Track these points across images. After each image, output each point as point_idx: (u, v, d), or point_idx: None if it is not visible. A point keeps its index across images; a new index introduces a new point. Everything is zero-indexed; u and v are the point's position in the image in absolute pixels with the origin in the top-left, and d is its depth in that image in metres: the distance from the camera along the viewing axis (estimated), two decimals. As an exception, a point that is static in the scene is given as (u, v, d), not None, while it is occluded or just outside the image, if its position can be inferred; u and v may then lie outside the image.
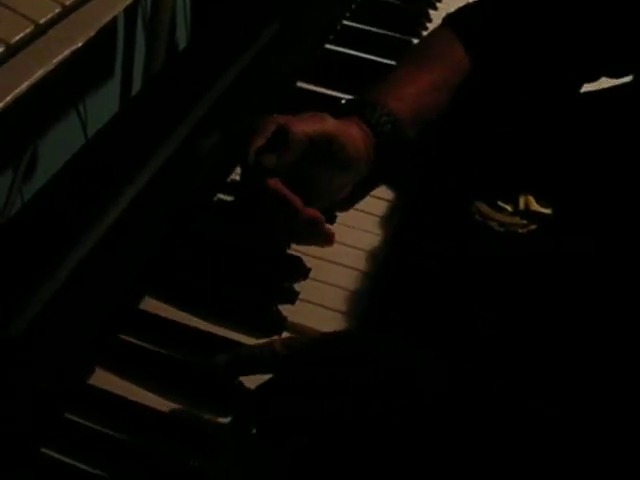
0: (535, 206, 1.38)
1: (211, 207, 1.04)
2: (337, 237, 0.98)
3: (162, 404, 0.81)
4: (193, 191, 1.02)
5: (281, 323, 0.90)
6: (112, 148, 1.05)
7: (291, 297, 0.93)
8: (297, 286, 0.95)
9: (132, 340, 0.86)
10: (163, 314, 0.89)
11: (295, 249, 0.99)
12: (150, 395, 0.82)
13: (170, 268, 0.94)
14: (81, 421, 0.79)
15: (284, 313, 0.91)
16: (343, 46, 1.31)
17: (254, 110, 1.15)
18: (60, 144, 1.20)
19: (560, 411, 0.90)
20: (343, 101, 1.09)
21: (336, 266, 0.99)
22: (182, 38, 1.38)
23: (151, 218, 0.98)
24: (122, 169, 1.01)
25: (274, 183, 0.93)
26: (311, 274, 0.97)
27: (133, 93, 1.38)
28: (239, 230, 0.98)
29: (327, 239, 0.97)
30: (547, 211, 1.36)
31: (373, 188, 1.07)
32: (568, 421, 0.89)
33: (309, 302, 0.94)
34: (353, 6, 1.39)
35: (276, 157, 0.93)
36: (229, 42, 1.22)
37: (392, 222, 1.08)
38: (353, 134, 0.99)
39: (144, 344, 0.86)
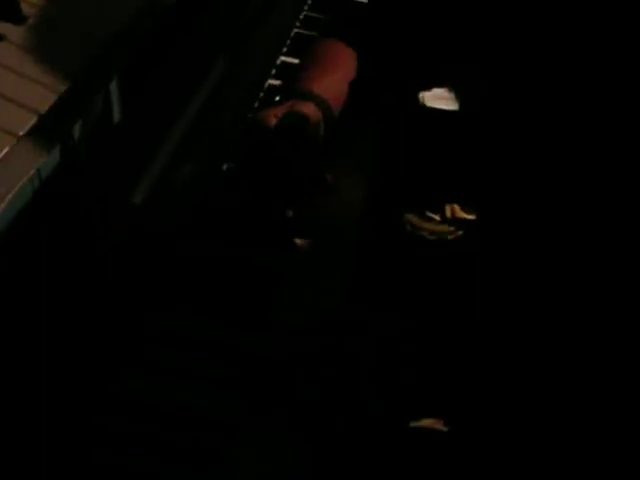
0: (460, 213, 1.52)
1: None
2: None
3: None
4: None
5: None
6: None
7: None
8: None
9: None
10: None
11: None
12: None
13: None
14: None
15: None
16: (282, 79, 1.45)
17: (212, 141, 1.27)
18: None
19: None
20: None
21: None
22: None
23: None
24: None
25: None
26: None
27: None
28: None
29: None
30: (471, 217, 1.50)
31: None
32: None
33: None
34: (288, 42, 1.52)
35: (305, 140, 1.18)
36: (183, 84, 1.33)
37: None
38: (321, 116, 1.22)
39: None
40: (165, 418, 0.93)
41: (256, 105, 1.39)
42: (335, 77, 1.28)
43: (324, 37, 1.35)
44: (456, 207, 1.56)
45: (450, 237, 1.52)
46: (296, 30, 1.57)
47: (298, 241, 1.18)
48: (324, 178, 1.21)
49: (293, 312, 1.08)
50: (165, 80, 1.35)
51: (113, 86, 1.36)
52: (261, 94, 1.41)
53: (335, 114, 1.24)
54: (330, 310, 1.09)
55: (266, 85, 1.44)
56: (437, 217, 1.55)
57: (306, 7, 1.63)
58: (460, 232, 1.53)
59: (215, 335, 1.02)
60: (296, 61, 1.49)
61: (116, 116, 1.14)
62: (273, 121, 1.17)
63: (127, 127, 1.24)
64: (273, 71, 1.47)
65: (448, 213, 1.56)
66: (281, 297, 1.09)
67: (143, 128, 1.25)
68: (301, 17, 1.60)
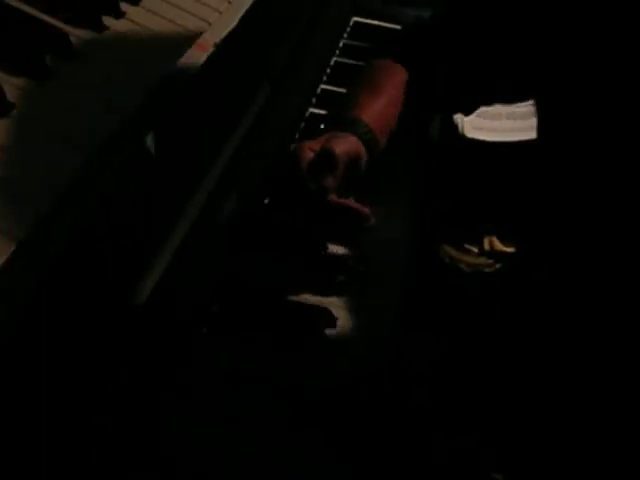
0: (499, 246, 1.50)
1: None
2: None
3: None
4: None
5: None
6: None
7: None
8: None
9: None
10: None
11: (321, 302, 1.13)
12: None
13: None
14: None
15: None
16: (324, 108, 1.43)
17: (254, 172, 1.24)
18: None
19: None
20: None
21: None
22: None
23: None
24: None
25: (338, 199, 1.13)
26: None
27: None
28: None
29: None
30: (510, 250, 1.48)
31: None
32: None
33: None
34: (328, 70, 1.50)
35: (333, 177, 1.12)
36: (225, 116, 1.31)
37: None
38: (361, 148, 1.18)
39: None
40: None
41: (297, 136, 1.37)
42: (384, 102, 1.24)
43: (375, 58, 1.32)
44: (494, 239, 1.54)
45: (487, 270, 1.50)
46: (336, 58, 1.55)
47: (341, 278, 1.15)
48: (363, 213, 1.16)
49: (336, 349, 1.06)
50: (206, 114, 1.33)
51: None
52: (302, 123, 1.39)
53: (381, 142, 1.22)
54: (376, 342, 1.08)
55: (307, 114, 1.42)
56: (475, 249, 1.53)
57: (345, 35, 1.62)
58: (498, 265, 1.51)
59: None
60: (336, 89, 1.48)
61: (154, 148, 1.11)
62: (309, 155, 1.14)
63: (167, 159, 1.22)
64: (314, 100, 1.45)
65: (486, 245, 1.53)
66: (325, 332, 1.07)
67: (184, 159, 1.24)
68: (340, 45, 1.58)
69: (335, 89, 1.48)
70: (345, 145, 1.15)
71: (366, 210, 1.15)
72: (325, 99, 1.45)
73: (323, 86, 1.49)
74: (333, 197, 1.12)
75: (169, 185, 1.15)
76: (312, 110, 1.44)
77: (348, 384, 1.00)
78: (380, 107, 1.23)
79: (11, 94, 0.90)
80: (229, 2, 1.15)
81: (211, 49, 1.09)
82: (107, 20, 1.03)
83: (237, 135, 1.29)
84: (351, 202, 1.14)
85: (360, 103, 1.23)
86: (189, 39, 1.06)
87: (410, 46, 1.33)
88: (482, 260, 1.50)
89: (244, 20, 1.21)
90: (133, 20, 1.04)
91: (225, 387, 0.98)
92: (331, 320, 1.09)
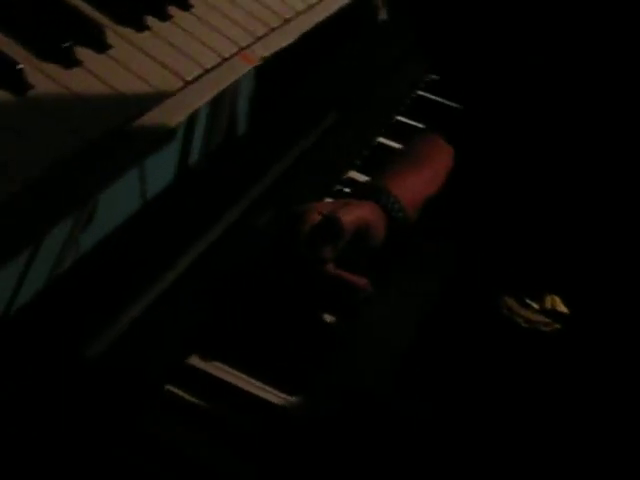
0: (561, 307, 1.45)
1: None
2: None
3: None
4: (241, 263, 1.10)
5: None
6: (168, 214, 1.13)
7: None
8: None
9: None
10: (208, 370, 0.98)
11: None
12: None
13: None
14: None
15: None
16: (395, 140, 1.40)
17: (306, 196, 1.23)
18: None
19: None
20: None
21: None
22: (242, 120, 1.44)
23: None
24: (176, 235, 1.09)
25: (334, 270, 1.06)
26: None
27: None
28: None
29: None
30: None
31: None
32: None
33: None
34: (408, 101, 1.48)
35: (332, 248, 1.05)
36: (286, 131, 1.30)
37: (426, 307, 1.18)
38: (380, 219, 1.13)
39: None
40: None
41: (358, 163, 1.36)
42: (423, 176, 1.21)
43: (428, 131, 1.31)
44: (557, 299, 1.49)
45: (544, 329, 1.46)
46: (419, 92, 1.53)
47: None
48: (358, 285, 1.08)
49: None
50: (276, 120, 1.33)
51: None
52: (366, 152, 1.38)
53: (411, 217, 1.17)
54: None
55: (375, 143, 1.41)
56: (536, 306, 1.49)
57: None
58: (557, 325, 1.46)
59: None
60: (411, 122, 1.46)
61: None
62: (315, 219, 1.07)
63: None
64: (384, 129, 1.43)
65: (548, 304, 1.49)
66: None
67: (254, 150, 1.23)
68: (427, 79, 1.56)
69: (410, 122, 1.46)
70: (355, 214, 1.09)
71: (361, 282, 1.07)
72: (397, 131, 1.44)
73: (398, 117, 1.47)
74: (329, 267, 1.05)
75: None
76: (381, 140, 1.42)
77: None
78: (416, 180, 1.20)
79: (33, 76, 0.92)
80: (284, 20, 1.15)
81: (257, 62, 1.09)
82: (150, 21, 1.03)
83: (295, 151, 1.28)
84: (345, 273, 1.06)
85: (392, 173, 1.20)
86: (231, 50, 1.06)
87: (462, 126, 1.29)
88: (541, 318, 1.45)
89: (308, 38, 1.21)
90: (178, 24, 1.05)
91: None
92: None
